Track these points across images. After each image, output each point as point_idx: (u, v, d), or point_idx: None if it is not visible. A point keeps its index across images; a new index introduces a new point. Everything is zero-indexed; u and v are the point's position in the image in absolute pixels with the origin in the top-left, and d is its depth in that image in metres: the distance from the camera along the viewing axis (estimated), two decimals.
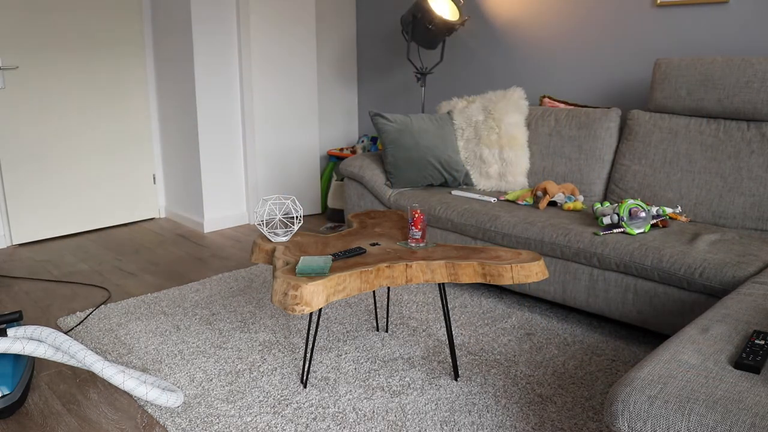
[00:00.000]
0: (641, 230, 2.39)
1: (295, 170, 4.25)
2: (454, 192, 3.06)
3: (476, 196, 2.97)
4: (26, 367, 2.01)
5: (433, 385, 2.08)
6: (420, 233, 2.07)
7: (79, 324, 2.56)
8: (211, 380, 2.11)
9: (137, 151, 4.05)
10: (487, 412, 1.92)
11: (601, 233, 2.38)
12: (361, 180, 3.26)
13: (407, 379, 2.12)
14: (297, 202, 2.36)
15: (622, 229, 2.39)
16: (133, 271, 3.21)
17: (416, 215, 2.06)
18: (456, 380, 2.11)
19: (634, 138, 2.87)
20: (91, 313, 2.65)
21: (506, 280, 1.89)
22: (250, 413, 1.92)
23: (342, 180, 4.15)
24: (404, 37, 3.79)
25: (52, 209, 3.73)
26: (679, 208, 2.58)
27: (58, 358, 1.89)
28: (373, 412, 1.93)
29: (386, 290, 2.87)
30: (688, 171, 2.67)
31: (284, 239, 2.16)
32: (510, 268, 1.89)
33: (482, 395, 2.02)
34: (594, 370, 2.18)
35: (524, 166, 3.15)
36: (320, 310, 1.94)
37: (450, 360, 2.25)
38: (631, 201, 2.42)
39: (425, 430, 1.83)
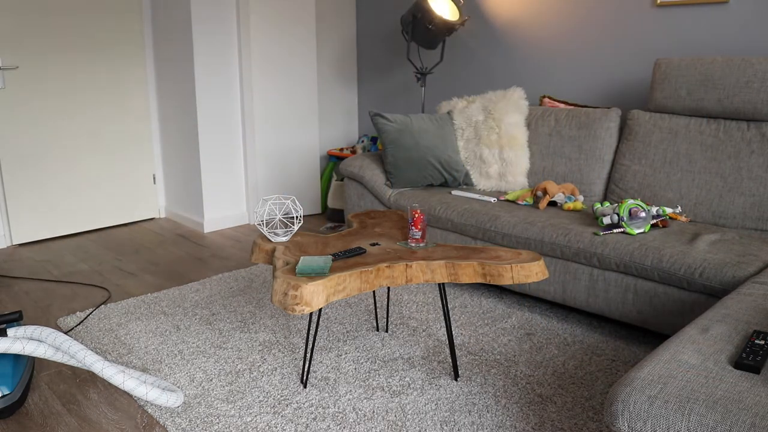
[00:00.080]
0: (641, 230, 2.39)
1: (295, 170, 4.25)
2: (454, 192, 3.06)
3: (476, 196, 2.97)
4: (26, 367, 2.01)
5: (433, 385, 2.08)
6: (420, 233, 2.07)
7: (79, 324, 2.56)
8: (211, 380, 2.11)
9: (137, 151, 4.05)
10: (487, 412, 1.92)
11: (601, 233, 2.38)
12: (361, 180, 3.26)
13: (407, 379, 2.12)
14: (297, 202, 2.36)
15: (622, 229, 2.39)
16: (133, 271, 3.21)
17: (416, 215, 2.06)
18: (456, 380, 2.11)
19: (634, 138, 2.87)
20: (91, 313, 2.66)
21: (506, 280, 1.89)
22: (250, 413, 1.92)
23: (342, 180, 4.15)
24: (404, 37, 3.79)
25: (52, 209, 3.73)
26: (679, 208, 2.58)
27: (58, 358, 1.89)
28: (373, 412, 1.93)
29: (386, 290, 2.87)
30: (688, 171, 2.67)
31: (284, 239, 2.16)
32: (510, 268, 1.89)
33: (482, 395, 2.02)
34: (594, 370, 2.18)
35: (524, 166, 3.15)
36: (320, 310, 1.94)
37: (450, 360, 2.25)
38: (631, 201, 2.42)
39: (425, 430, 1.83)
